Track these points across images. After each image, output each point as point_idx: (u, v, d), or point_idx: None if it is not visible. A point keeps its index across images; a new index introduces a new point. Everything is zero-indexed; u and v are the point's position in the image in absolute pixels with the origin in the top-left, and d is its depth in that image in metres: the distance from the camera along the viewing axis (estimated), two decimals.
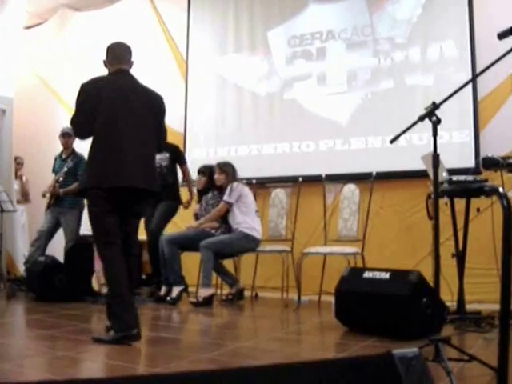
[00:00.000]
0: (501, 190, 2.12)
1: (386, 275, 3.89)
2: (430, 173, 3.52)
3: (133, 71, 3.97)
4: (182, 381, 1.58)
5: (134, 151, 3.72)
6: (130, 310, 3.57)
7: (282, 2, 6.93)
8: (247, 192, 5.91)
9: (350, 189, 5.80)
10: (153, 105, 3.96)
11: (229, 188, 5.81)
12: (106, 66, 4.00)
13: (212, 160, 6.40)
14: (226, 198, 5.80)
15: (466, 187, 4.09)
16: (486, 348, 3.37)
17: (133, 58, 4.04)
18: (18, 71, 8.33)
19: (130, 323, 3.53)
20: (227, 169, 5.95)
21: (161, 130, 4.02)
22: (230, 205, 5.78)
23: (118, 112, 3.75)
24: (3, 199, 6.19)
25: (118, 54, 3.99)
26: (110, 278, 3.66)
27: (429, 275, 3.71)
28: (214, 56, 7.38)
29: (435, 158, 2.66)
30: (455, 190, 4.15)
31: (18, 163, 8.15)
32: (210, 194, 6.07)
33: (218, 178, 5.96)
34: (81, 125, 3.82)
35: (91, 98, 3.76)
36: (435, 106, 2.61)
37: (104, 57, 4.02)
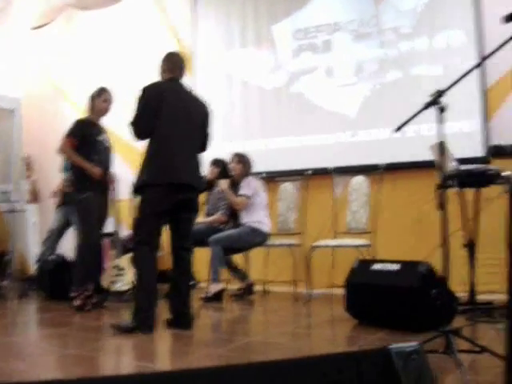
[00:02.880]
0: (505, 173, 2.07)
1: (395, 267, 3.87)
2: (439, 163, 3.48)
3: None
4: (188, 378, 1.57)
5: (187, 153, 4.08)
6: (149, 313, 3.86)
7: None
8: (261, 186, 5.91)
9: (359, 181, 5.75)
10: (202, 110, 4.29)
11: (245, 182, 5.81)
12: (162, 71, 4.27)
13: (219, 155, 6.36)
14: (245, 191, 5.78)
15: (470, 173, 4.02)
16: (497, 339, 3.32)
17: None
18: (26, 71, 8.36)
19: (146, 321, 3.82)
20: (245, 159, 5.95)
21: (206, 132, 4.31)
22: (249, 199, 5.76)
23: (178, 116, 4.05)
24: (13, 199, 6.20)
25: (179, 65, 4.27)
26: (139, 275, 3.95)
27: (440, 266, 3.66)
28: (220, 51, 7.35)
29: (441, 145, 2.62)
30: (461, 176, 4.07)
31: (28, 163, 8.17)
32: (218, 189, 6.03)
33: (234, 168, 5.94)
34: (142, 126, 4.06)
35: (154, 100, 4.01)
36: (440, 93, 2.58)
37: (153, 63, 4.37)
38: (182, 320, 4.02)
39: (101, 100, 5.26)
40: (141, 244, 3.96)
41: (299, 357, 1.64)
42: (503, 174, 2.01)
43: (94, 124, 5.29)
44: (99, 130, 5.31)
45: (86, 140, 5.13)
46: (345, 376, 1.49)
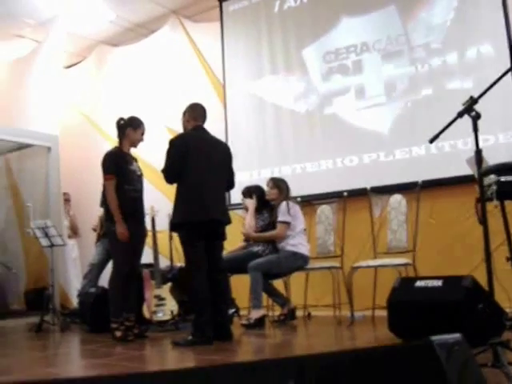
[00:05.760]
0: None
1: (438, 283, 3.78)
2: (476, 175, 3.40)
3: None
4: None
5: (214, 192, 4.70)
6: (208, 323, 4.46)
7: (314, 20, 6.92)
8: (299, 210, 5.85)
9: (397, 199, 5.68)
10: (224, 152, 4.93)
11: (284, 207, 5.72)
12: (186, 120, 4.88)
13: (256, 182, 6.36)
14: (283, 218, 5.69)
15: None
16: None
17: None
18: (61, 109, 8.52)
19: (205, 332, 4.43)
20: (281, 184, 5.92)
21: (231, 171, 4.95)
22: (288, 224, 5.71)
23: (203, 160, 4.65)
24: (52, 234, 6.26)
25: (202, 114, 4.91)
26: (196, 296, 4.59)
27: (484, 282, 3.57)
28: (251, 80, 7.41)
29: (477, 154, 2.57)
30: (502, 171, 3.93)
31: (66, 199, 8.29)
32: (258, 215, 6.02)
33: (269, 192, 5.93)
34: (172, 173, 4.67)
35: (180, 151, 4.63)
36: (473, 101, 2.54)
37: (182, 111, 4.96)
38: (223, 332, 4.60)
39: (139, 132, 5.27)
40: (193, 269, 4.59)
41: (341, 350, 1.60)
42: None
43: (124, 154, 5.26)
44: (130, 160, 5.28)
45: (118, 171, 5.09)
46: (387, 368, 1.45)
